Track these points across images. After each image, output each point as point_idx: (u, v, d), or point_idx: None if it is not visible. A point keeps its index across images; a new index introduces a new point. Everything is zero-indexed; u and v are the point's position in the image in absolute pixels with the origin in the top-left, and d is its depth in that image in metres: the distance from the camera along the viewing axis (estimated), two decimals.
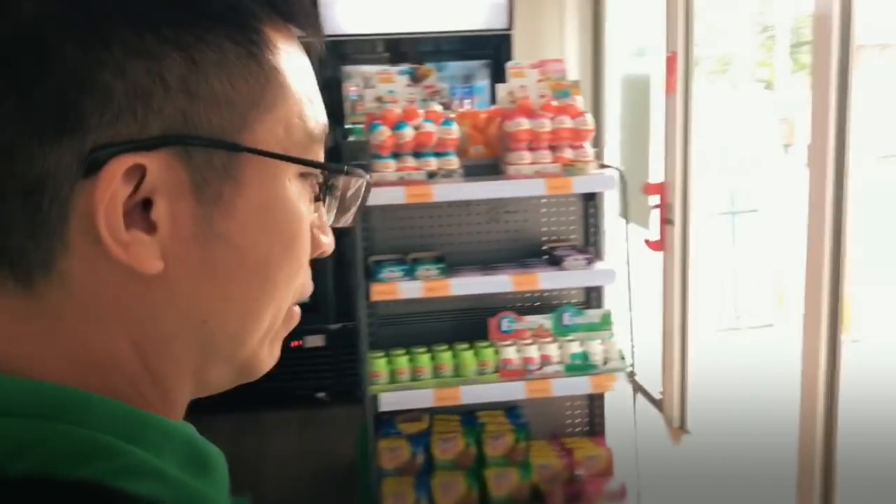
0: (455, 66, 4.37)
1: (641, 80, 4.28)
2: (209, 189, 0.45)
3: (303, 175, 0.49)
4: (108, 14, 0.42)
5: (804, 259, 2.84)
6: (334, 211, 0.54)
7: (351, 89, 4.35)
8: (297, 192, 0.49)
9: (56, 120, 0.41)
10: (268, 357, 0.53)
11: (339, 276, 3.88)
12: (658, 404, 4.03)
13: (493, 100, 4.14)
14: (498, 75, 4.24)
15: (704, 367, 4.13)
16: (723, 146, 7.43)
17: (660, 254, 3.91)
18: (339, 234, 0.57)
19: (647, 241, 3.91)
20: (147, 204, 0.43)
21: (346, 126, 3.75)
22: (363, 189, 0.54)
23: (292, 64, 0.48)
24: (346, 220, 0.55)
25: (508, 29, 4.18)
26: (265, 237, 0.47)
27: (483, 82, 4.34)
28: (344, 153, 3.57)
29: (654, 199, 3.86)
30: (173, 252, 0.44)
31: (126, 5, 0.42)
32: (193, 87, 0.43)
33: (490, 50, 4.27)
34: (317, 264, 0.54)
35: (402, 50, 4.37)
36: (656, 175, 3.88)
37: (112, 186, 0.42)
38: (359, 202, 0.54)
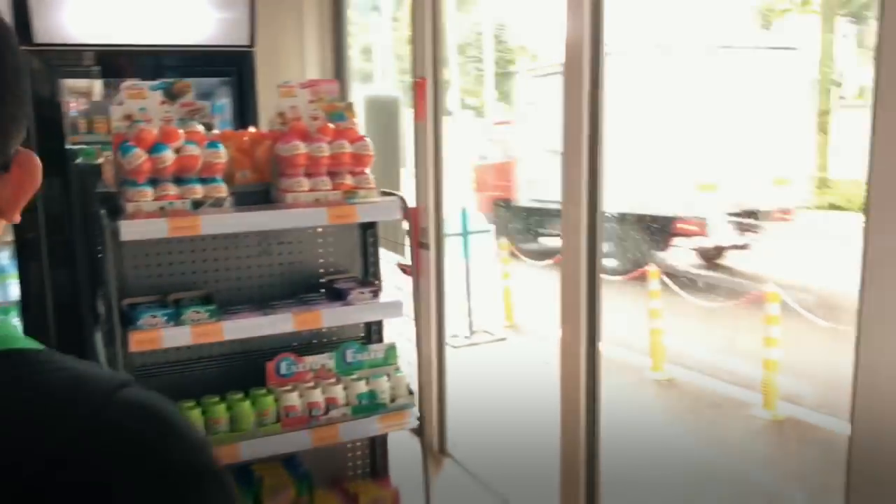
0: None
1: (389, 102, 4.24)
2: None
3: None
4: (23, 85, 0.70)
5: (562, 272, 2.92)
6: None
7: (70, 105, 3.78)
8: None
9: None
10: None
11: (60, 317, 3.34)
12: (417, 430, 3.98)
13: (240, 120, 3.84)
14: (242, 93, 3.94)
15: (450, 385, 4.17)
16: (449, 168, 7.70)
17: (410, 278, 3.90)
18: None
19: (400, 266, 3.86)
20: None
21: (69, 147, 3.23)
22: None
23: None
24: None
25: (250, 46, 3.89)
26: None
27: (223, 101, 4.01)
28: (72, 178, 3.06)
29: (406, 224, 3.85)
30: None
31: (24, 78, 0.71)
32: (28, 110, 0.72)
33: (230, 66, 3.95)
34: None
35: (119, 63, 3.90)
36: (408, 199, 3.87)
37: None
38: None
